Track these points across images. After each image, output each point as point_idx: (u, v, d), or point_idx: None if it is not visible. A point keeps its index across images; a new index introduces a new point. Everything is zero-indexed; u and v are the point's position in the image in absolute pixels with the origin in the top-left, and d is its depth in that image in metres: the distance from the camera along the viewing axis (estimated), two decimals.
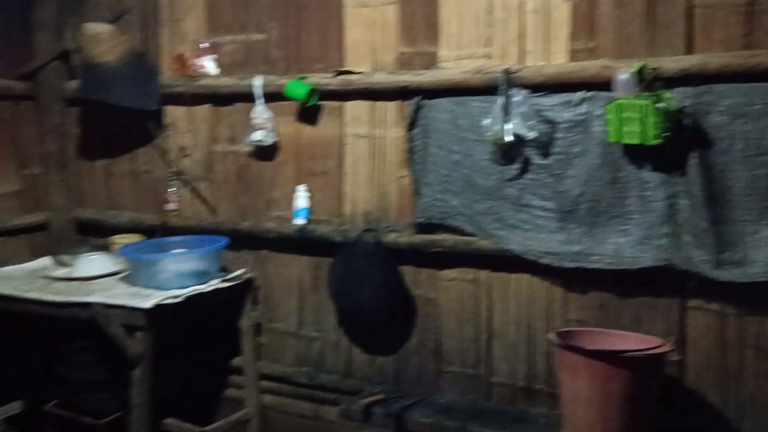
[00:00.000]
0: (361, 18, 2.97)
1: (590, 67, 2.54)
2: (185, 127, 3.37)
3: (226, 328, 3.23)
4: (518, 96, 2.60)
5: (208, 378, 3.40)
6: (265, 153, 3.20)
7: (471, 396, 2.92)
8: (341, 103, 3.04)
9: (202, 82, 3.24)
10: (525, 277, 2.79)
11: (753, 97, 2.34)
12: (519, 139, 2.62)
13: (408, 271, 2.98)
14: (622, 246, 2.56)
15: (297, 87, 2.99)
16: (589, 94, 2.56)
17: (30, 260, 3.42)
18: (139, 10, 3.39)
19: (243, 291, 3.16)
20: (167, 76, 3.33)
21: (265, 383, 3.30)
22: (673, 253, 2.48)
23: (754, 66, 2.32)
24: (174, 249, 3.12)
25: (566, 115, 2.61)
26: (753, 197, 2.38)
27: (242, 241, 3.26)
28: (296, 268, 3.22)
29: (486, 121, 2.66)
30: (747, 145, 2.36)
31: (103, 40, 3.19)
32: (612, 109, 2.41)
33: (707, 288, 2.47)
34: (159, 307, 2.71)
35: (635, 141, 2.39)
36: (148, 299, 2.72)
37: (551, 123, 2.63)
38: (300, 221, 3.11)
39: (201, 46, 3.25)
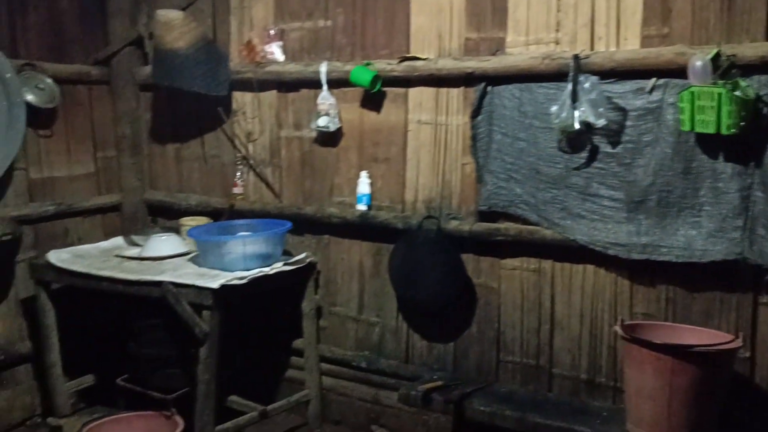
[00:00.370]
0: (428, 4, 2.95)
1: (663, 53, 2.47)
2: (252, 113, 3.43)
3: (289, 310, 3.29)
4: (587, 83, 2.55)
5: (271, 359, 3.48)
6: (329, 139, 3.23)
7: (531, 386, 2.90)
8: (405, 89, 3.04)
9: (269, 68, 3.29)
10: (590, 268, 2.74)
11: None
12: (587, 127, 2.57)
13: (469, 260, 2.97)
14: (693, 238, 2.49)
15: (362, 73, 3.00)
16: (662, 81, 2.50)
17: (103, 240, 3.56)
18: None
19: (305, 275, 3.21)
20: (236, 62, 3.39)
21: (326, 366, 3.35)
22: (747, 247, 2.40)
23: None
24: (240, 232, 3.19)
25: (637, 102, 2.55)
26: None
27: (305, 225, 3.31)
28: (357, 253, 3.25)
29: (553, 108, 2.62)
30: None
31: (174, 26, 3.27)
32: (685, 97, 2.34)
33: None
34: (225, 288, 2.78)
35: (709, 130, 2.32)
36: (215, 280, 2.80)
37: (621, 110, 2.57)
38: (362, 207, 3.13)
39: (269, 32, 3.30)
